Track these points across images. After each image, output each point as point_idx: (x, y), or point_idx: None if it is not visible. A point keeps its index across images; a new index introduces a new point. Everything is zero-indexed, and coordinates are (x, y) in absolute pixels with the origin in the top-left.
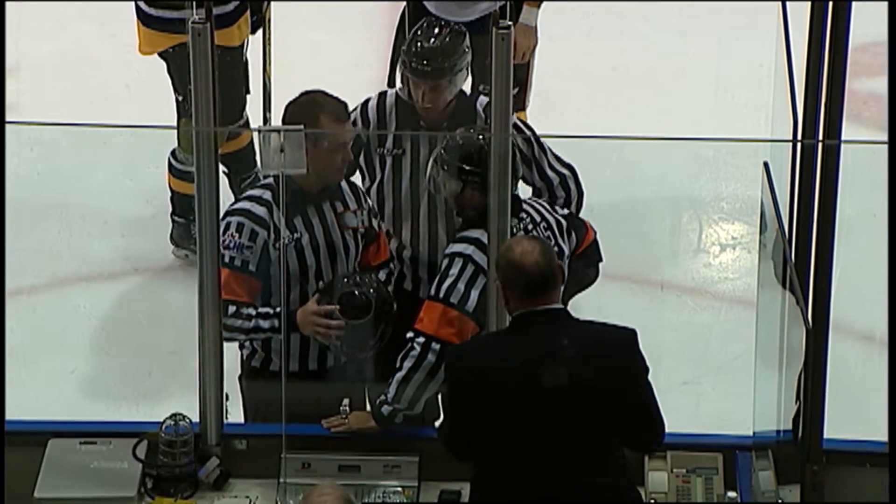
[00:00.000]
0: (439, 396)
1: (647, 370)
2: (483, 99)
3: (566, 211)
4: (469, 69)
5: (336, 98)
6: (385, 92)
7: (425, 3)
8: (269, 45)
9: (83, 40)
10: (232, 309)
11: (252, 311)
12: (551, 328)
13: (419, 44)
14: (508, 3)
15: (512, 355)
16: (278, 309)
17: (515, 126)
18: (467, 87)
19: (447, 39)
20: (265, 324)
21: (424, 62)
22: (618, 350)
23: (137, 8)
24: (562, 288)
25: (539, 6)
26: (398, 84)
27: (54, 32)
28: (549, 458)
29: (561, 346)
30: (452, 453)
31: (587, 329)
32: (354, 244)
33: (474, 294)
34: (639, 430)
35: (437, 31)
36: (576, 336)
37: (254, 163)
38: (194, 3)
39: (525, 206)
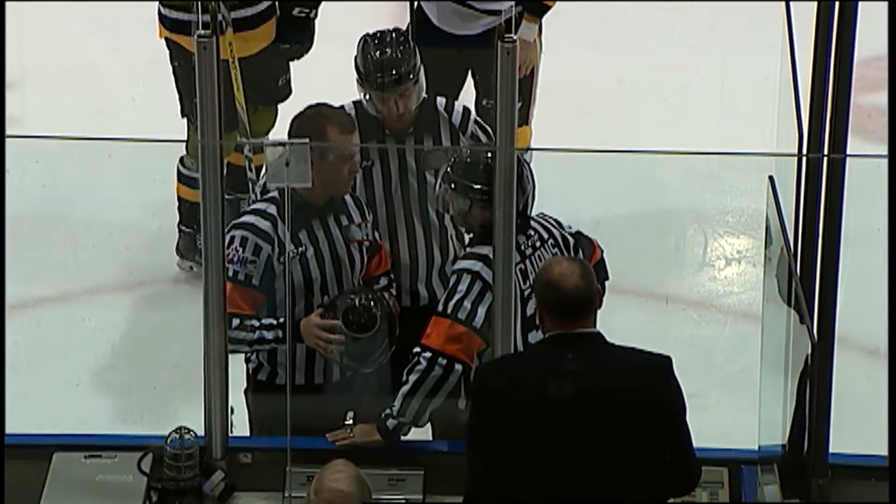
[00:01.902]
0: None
1: (683, 404)
2: (441, 100)
3: (574, 229)
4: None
5: (343, 110)
6: (342, 107)
7: (430, 15)
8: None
9: (88, 53)
10: (236, 322)
11: (255, 323)
12: (584, 352)
13: (373, 58)
14: (514, 17)
15: (541, 375)
16: (282, 319)
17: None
18: (470, 101)
19: (400, 46)
20: (269, 335)
21: (391, 72)
22: (650, 377)
23: None
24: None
25: (538, 22)
26: (362, 99)
27: (59, 45)
28: (572, 481)
29: (592, 371)
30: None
31: (620, 354)
32: (360, 257)
33: (481, 310)
34: (669, 466)
35: (385, 40)
36: (608, 361)
37: (244, 184)
38: (199, 5)
39: (533, 223)
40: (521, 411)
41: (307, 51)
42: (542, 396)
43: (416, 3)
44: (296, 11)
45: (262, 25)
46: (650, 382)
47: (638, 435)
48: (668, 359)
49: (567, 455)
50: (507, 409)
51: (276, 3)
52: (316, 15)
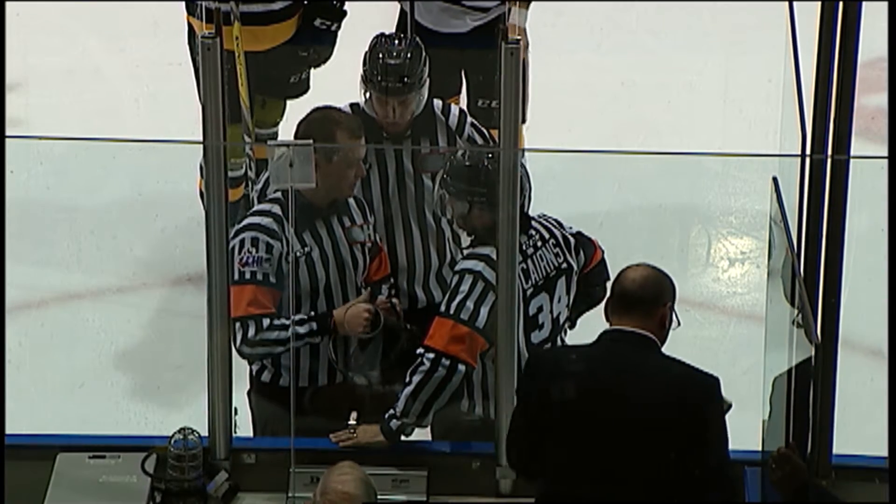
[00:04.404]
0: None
1: (725, 430)
2: (437, 102)
3: (575, 229)
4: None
5: (350, 114)
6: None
7: (417, 15)
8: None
9: (92, 55)
10: (266, 322)
11: (286, 321)
12: (636, 352)
13: (383, 61)
14: (506, 13)
15: (593, 368)
16: (313, 313)
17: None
18: (463, 101)
19: (409, 53)
20: (302, 329)
21: (394, 79)
22: (695, 392)
23: None
24: (665, 331)
25: (527, 7)
26: (361, 100)
27: (63, 47)
28: (602, 479)
29: (638, 371)
30: (518, 465)
31: (671, 365)
32: (363, 259)
33: (484, 311)
34: (698, 487)
35: (396, 45)
36: (656, 365)
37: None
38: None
39: (534, 223)
40: (564, 397)
41: (325, 60)
42: (586, 387)
43: (406, 2)
44: (317, 23)
45: (273, 24)
46: (694, 398)
47: (669, 445)
48: (717, 380)
49: (596, 450)
50: (552, 391)
51: (300, 10)
52: (339, 28)
